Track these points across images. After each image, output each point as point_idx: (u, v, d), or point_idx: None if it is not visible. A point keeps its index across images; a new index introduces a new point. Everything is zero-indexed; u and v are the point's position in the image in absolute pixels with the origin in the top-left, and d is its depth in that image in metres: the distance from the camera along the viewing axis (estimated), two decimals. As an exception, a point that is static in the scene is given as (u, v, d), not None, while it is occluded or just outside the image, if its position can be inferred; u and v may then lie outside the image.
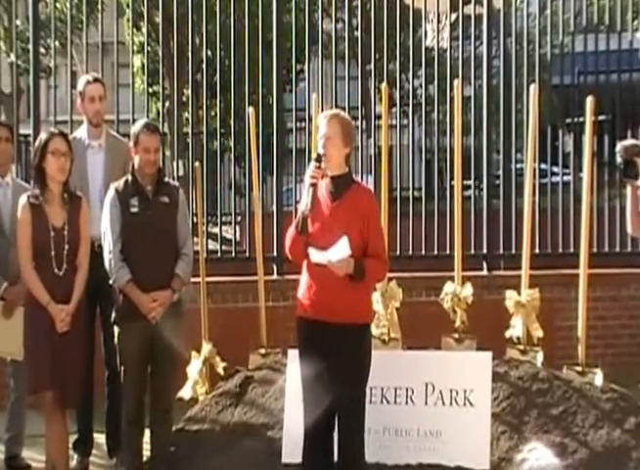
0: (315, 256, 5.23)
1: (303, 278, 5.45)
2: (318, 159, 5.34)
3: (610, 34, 9.85)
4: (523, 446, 5.79)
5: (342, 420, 5.27)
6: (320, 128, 5.45)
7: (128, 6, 11.05)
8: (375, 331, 6.14)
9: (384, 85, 6.94)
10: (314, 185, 5.30)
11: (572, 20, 10.10)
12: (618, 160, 6.16)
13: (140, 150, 5.86)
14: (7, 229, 6.23)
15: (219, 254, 9.00)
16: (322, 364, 5.24)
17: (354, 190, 5.41)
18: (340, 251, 5.15)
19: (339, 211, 5.31)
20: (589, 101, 6.30)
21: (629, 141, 6.36)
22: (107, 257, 5.84)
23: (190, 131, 9.39)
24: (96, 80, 6.65)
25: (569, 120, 10.11)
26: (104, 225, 5.88)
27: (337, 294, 5.23)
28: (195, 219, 7.75)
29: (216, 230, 9.24)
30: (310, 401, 5.35)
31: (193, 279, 6.52)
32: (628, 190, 6.18)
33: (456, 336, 6.30)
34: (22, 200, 5.78)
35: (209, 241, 9.29)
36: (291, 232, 5.40)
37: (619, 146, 6.17)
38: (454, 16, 10.01)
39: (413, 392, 6.02)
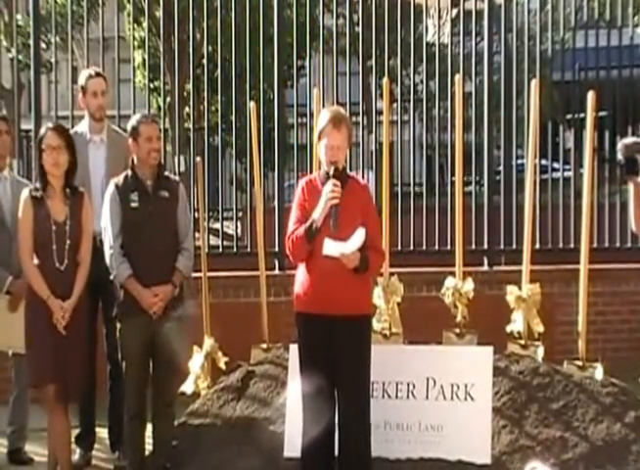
0: (330, 247, 5.20)
1: (302, 275, 5.44)
2: (336, 175, 5.31)
3: (610, 30, 9.86)
4: (523, 441, 5.81)
5: (350, 416, 5.29)
6: (328, 136, 5.37)
7: (129, 1, 11.07)
8: (376, 326, 6.15)
9: (385, 81, 6.94)
10: (337, 205, 5.25)
11: (573, 15, 10.11)
12: (620, 157, 6.17)
13: (142, 140, 5.85)
14: (9, 223, 6.24)
15: (221, 249, 9.02)
16: (326, 359, 5.26)
17: (351, 185, 5.44)
18: (356, 241, 5.20)
19: (339, 206, 5.31)
20: (590, 97, 6.31)
21: (630, 139, 6.37)
22: (107, 252, 5.86)
23: (191, 127, 9.38)
24: (98, 75, 6.65)
25: (569, 116, 10.12)
26: (104, 221, 5.89)
27: (342, 286, 5.26)
28: (196, 215, 7.76)
29: (218, 225, 9.25)
30: (312, 398, 5.35)
31: (194, 274, 6.54)
32: (631, 188, 6.17)
33: (457, 331, 6.31)
34: (25, 194, 5.81)
35: (211, 236, 9.30)
36: (298, 236, 5.34)
37: (620, 144, 6.17)
38: (455, 11, 10.03)
39: (414, 386, 6.03)
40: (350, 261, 5.23)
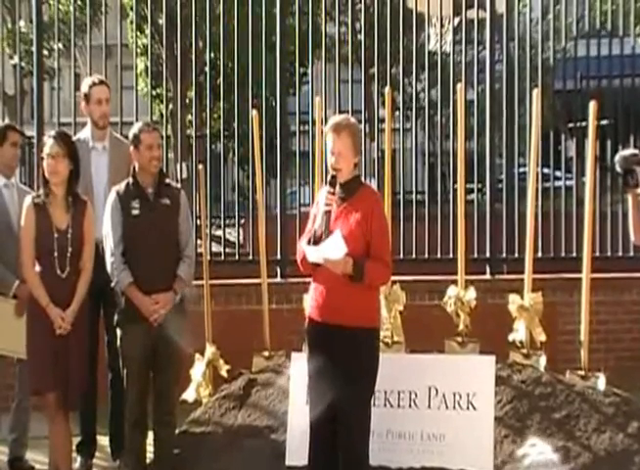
0: (311, 254, 5.20)
1: (312, 284, 5.44)
2: (332, 182, 5.29)
3: (612, 39, 9.87)
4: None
5: (347, 424, 5.26)
6: (330, 143, 5.34)
7: (132, 8, 11.07)
8: (378, 334, 6.14)
9: (387, 89, 6.96)
10: (329, 212, 5.25)
11: (575, 24, 10.12)
12: (618, 170, 6.15)
13: (143, 148, 5.87)
14: (16, 229, 6.23)
15: (223, 256, 9.01)
16: (329, 368, 5.23)
17: (361, 192, 5.40)
18: (334, 245, 5.11)
19: (344, 212, 5.30)
20: (592, 105, 6.32)
21: (628, 151, 6.35)
22: (108, 259, 5.85)
23: (193, 134, 9.38)
24: (101, 82, 6.67)
25: (571, 125, 10.12)
26: (105, 228, 5.89)
27: (345, 298, 5.22)
28: (198, 222, 7.77)
29: (220, 233, 9.25)
30: (316, 404, 5.34)
31: (196, 282, 6.54)
32: (630, 199, 6.16)
33: (459, 339, 6.31)
34: (27, 201, 5.82)
35: (213, 243, 9.30)
36: (303, 247, 5.34)
37: (618, 156, 6.16)
38: (457, 20, 10.03)
39: (416, 395, 6.02)
40: (336, 267, 5.15)
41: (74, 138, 6.44)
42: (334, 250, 5.12)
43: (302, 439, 5.48)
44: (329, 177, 5.34)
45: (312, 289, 5.41)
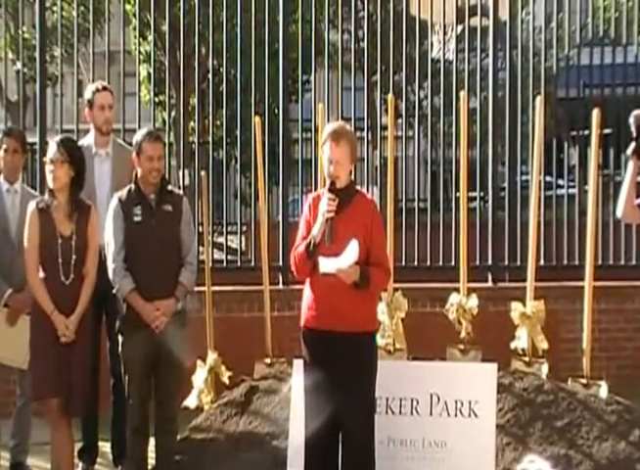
0: (325, 265, 5.20)
1: (308, 290, 5.44)
2: (332, 189, 5.30)
3: (615, 47, 9.87)
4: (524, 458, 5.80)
5: (353, 430, 5.27)
6: (327, 151, 5.35)
7: (135, 15, 11.05)
8: (380, 341, 6.13)
9: (390, 96, 6.96)
10: (332, 219, 5.25)
11: (578, 33, 10.13)
12: (632, 129, 6.05)
13: (144, 158, 5.85)
14: (13, 236, 6.23)
15: (225, 263, 9.00)
16: (331, 375, 5.23)
17: (357, 200, 5.42)
18: (349, 255, 5.15)
19: (342, 221, 5.29)
20: (595, 114, 6.32)
21: None
22: (110, 266, 5.85)
23: (196, 141, 9.39)
24: (105, 88, 6.67)
25: (574, 133, 10.11)
26: (107, 235, 5.88)
27: (345, 303, 5.23)
28: (200, 229, 7.77)
29: (222, 240, 9.25)
30: (315, 413, 5.33)
31: (198, 288, 6.53)
32: (630, 166, 6.01)
33: (461, 347, 6.30)
34: (31, 206, 5.81)
35: (215, 250, 9.29)
36: (299, 252, 5.36)
37: (633, 116, 6.07)
38: (460, 28, 10.04)
39: (418, 402, 6.01)
40: (348, 276, 5.18)
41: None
42: (348, 257, 5.15)
43: (303, 446, 5.46)
44: (327, 184, 5.36)
45: (310, 296, 5.40)
